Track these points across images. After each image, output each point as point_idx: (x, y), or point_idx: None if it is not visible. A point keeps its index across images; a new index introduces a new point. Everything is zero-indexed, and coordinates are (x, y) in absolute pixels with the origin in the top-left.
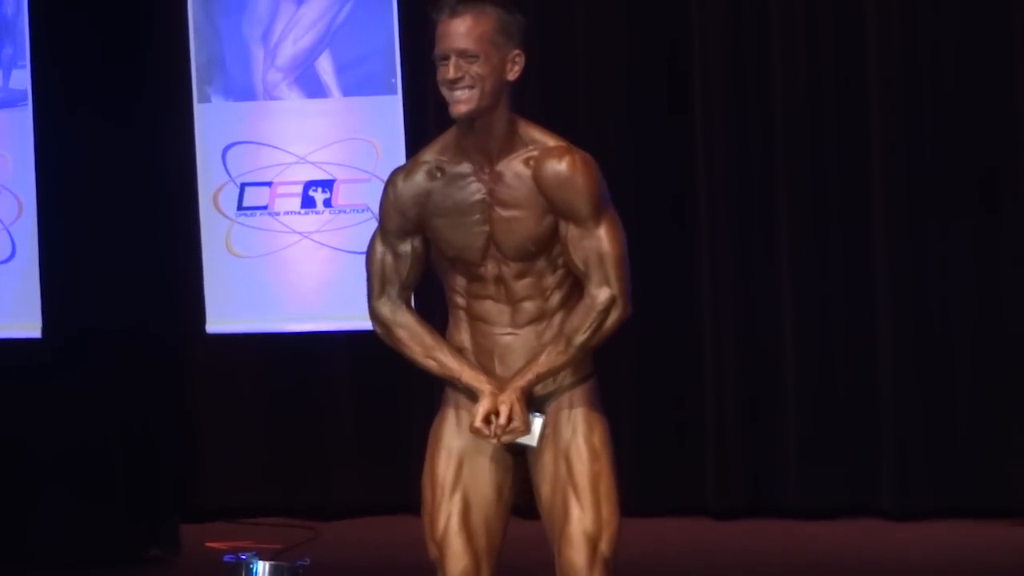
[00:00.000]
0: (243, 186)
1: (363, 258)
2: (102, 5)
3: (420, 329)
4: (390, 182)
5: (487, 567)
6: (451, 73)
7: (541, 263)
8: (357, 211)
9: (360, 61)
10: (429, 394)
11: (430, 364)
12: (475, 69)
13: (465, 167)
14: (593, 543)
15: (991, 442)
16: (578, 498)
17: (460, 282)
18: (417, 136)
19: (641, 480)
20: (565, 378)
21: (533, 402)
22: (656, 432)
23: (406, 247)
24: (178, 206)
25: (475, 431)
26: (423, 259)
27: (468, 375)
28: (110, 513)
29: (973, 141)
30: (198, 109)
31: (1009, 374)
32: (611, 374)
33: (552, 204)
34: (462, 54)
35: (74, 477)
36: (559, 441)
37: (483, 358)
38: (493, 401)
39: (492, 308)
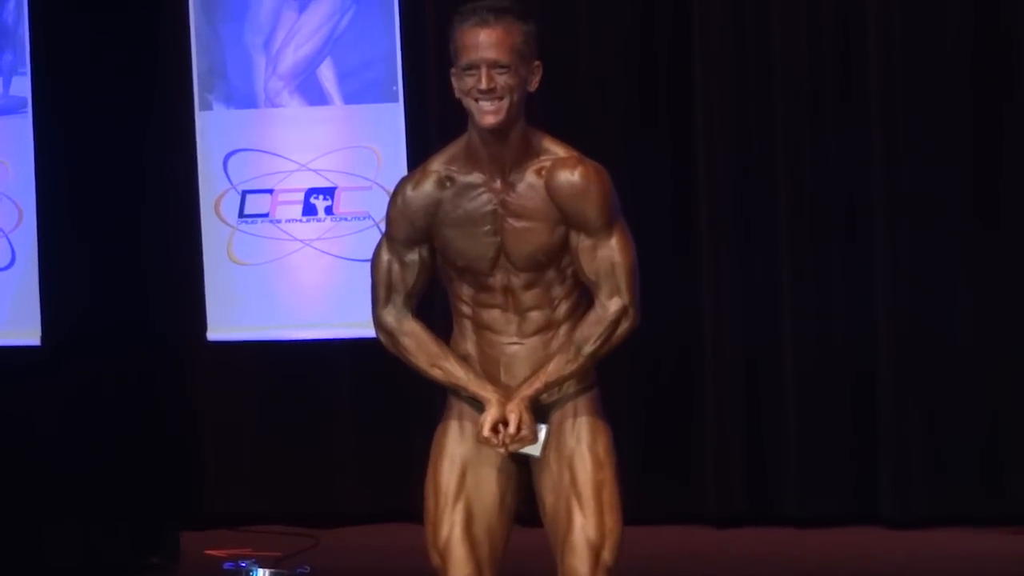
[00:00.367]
0: (244, 193)
1: (364, 266)
2: (103, 13)
3: (426, 338)
4: (399, 190)
5: (490, 575)
6: (484, 84)
7: (550, 273)
8: (358, 219)
9: (362, 69)
10: (431, 402)
11: (436, 373)
12: (505, 80)
13: (476, 177)
14: (596, 551)
15: (989, 450)
16: (581, 507)
17: (467, 291)
18: (419, 144)
19: (643, 488)
20: (569, 387)
21: (537, 411)
22: (657, 440)
23: (413, 256)
24: (179, 213)
25: (483, 440)
26: (430, 268)
27: (475, 384)
28: (110, 520)
29: (973, 150)
30: (199, 117)
31: (1007, 382)
32: (613, 383)
33: (564, 214)
34: (493, 65)
35: (74, 484)
36: (563, 449)
37: (489, 367)
38: (501, 410)
39: (499, 317)
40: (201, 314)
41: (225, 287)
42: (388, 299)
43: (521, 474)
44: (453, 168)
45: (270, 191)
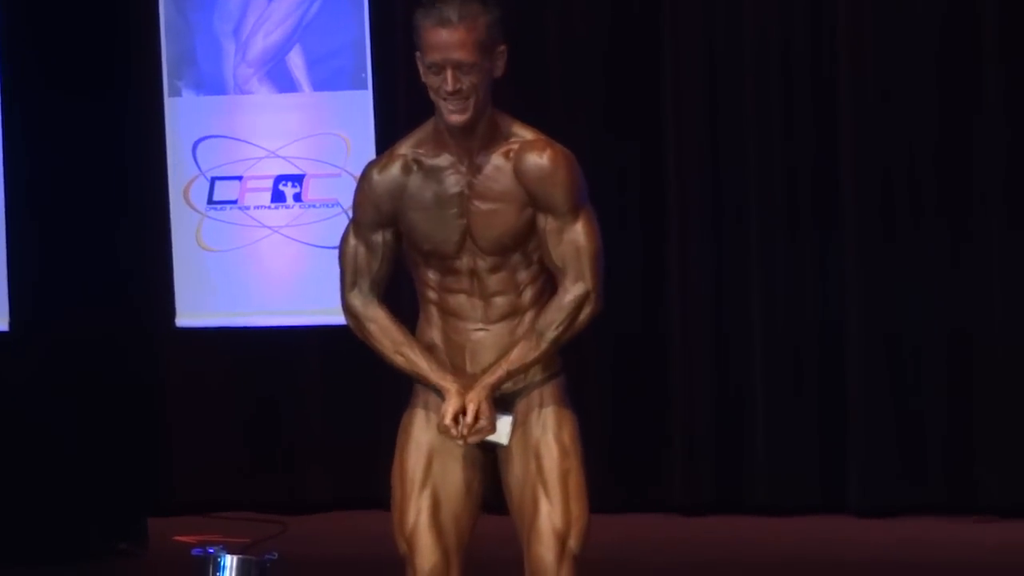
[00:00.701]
0: (213, 180)
1: (333, 253)
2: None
3: (390, 324)
4: (365, 175)
5: (456, 563)
6: (451, 85)
7: (516, 257)
8: (327, 206)
9: (331, 56)
10: (399, 389)
11: (398, 360)
12: (471, 79)
13: (443, 160)
14: (562, 539)
15: (958, 440)
16: (547, 494)
17: (433, 276)
18: (387, 131)
19: (610, 476)
20: (535, 375)
21: (502, 400)
22: (625, 429)
23: (379, 240)
24: (148, 200)
25: (443, 430)
26: (395, 252)
27: (435, 374)
28: (78, 507)
29: (943, 144)
30: (169, 103)
31: (976, 372)
32: (580, 371)
33: (531, 197)
34: (458, 66)
35: (42, 471)
36: (529, 438)
37: (455, 354)
38: (460, 400)
39: (465, 303)
40: (170, 300)
41: (194, 274)
42: (355, 284)
43: (488, 462)
44: (420, 151)
45: (239, 178)
